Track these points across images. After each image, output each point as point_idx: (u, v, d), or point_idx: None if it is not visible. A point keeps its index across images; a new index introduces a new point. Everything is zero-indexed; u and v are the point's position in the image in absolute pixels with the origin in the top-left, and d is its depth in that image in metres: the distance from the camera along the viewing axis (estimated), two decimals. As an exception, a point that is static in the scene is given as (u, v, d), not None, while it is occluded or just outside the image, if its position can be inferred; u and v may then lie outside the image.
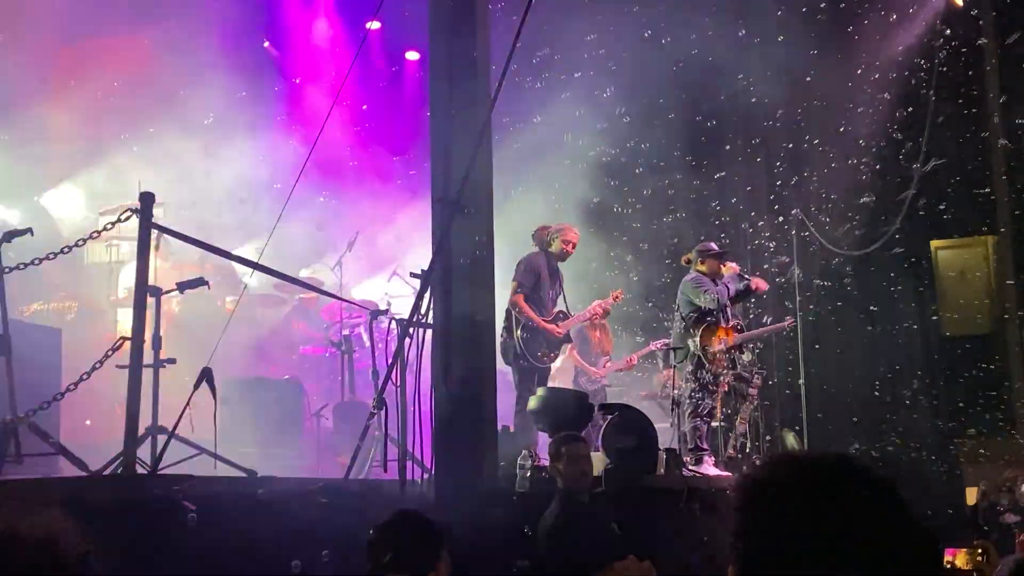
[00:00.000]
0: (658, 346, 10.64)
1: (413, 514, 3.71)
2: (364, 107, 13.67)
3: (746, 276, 9.67)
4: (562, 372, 10.94)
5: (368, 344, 8.91)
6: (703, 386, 9.08)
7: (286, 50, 13.54)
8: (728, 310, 9.44)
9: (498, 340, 8.98)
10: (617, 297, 9.93)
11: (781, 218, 12.16)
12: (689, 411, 9.02)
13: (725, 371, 9.28)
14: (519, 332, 8.93)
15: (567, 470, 6.18)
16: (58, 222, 11.42)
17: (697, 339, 9.09)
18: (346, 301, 10.01)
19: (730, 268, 9.52)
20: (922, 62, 11.84)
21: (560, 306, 9.31)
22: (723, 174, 12.74)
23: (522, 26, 6.03)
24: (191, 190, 11.30)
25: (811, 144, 12.25)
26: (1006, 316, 12.57)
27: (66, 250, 5.94)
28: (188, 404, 5.70)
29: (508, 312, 8.99)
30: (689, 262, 9.59)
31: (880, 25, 11.86)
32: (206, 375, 5.68)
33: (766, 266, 12.10)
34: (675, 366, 9.28)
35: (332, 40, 13.33)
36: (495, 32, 7.50)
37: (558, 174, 11.85)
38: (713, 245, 9.63)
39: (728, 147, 12.72)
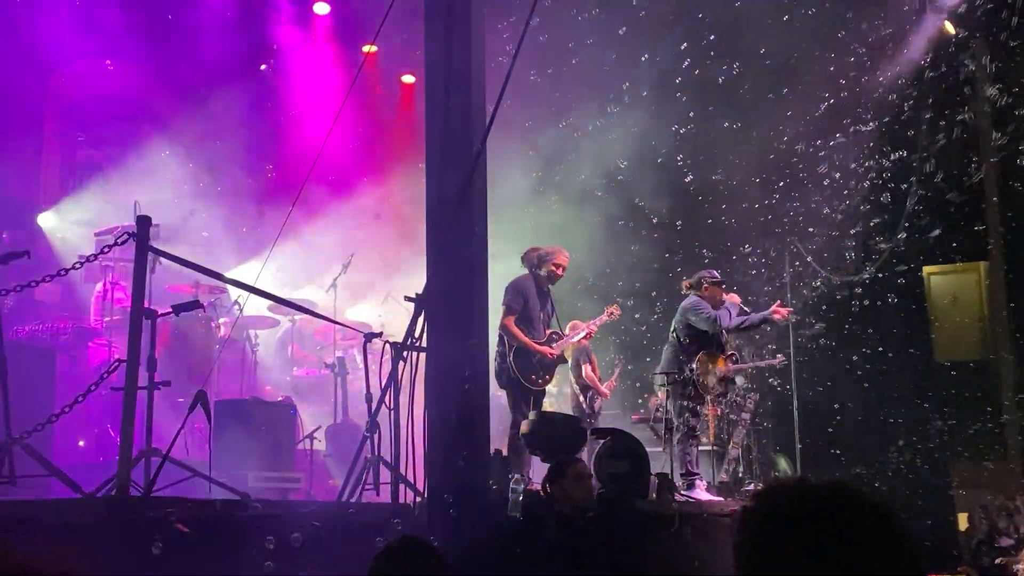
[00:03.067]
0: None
1: (416, 539, 3.72)
2: (359, 129, 13.73)
3: (747, 310, 9.66)
4: (561, 394, 11.00)
5: (362, 366, 8.92)
6: (694, 411, 9.09)
7: (284, 73, 13.59)
8: (724, 337, 9.45)
9: (491, 364, 9.02)
10: (612, 313, 9.91)
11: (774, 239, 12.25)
12: (679, 435, 9.02)
13: (719, 399, 9.31)
14: (512, 355, 8.93)
15: (573, 489, 6.18)
16: (54, 243, 11.44)
17: (694, 366, 9.09)
18: (340, 324, 10.01)
19: (732, 298, 9.49)
20: (915, 88, 11.93)
21: (553, 327, 9.30)
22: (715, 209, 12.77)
23: (517, 54, 6.08)
24: (187, 211, 11.33)
25: (804, 171, 12.31)
26: (998, 342, 12.62)
27: (62, 273, 5.96)
28: (183, 427, 5.70)
29: (500, 336, 9.00)
30: (690, 287, 9.56)
31: (873, 51, 11.95)
32: (201, 398, 5.68)
33: (762, 295, 12.16)
34: (667, 389, 9.28)
35: (330, 63, 13.39)
36: (490, 53, 7.54)
37: (548, 197, 11.90)
38: (715, 273, 9.63)
39: (721, 172, 12.76)
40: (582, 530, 6.17)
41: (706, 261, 12.00)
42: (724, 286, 9.54)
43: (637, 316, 12.47)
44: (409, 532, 3.75)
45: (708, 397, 9.22)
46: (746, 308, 9.68)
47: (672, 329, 9.47)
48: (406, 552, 3.59)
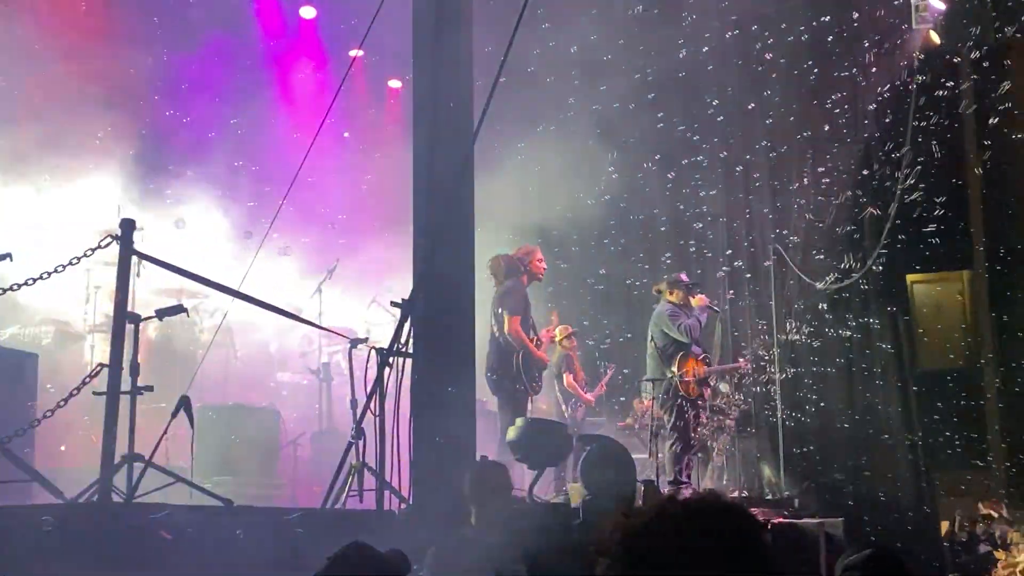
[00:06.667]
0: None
1: (364, 546, 3.61)
2: (345, 134, 13.69)
3: (715, 307, 9.80)
4: (545, 401, 10.99)
5: (347, 372, 8.88)
6: (682, 415, 9.12)
7: (270, 75, 13.53)
8: (696, 343, 9.57)
9: (485, 371, 9.02)
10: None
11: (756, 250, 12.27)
12: (670, 442, 9.05)
13: (702, 401, 9.35)
14: (520, 360, 8.94)
15: (491, 499, 6.05)
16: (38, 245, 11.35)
17: (675, 368, 9.14)
18: (324, 329, 9.97)
19: (699, 300, 9.63)
20: (900, 97, 11.97)
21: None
22: (702, 209, 12.78)
23: (503, 66, 6.08)
24: (172, 215, 11.26)
25: (789, 178, 12.33)
26: (981, 350, 12.66)
27: (45, 276, 5.91)
28: (165, 432, 5.66)
29: (500, 343, 8.97)
30: (660, 292, 9.66)
31: (859, 60, 11.98)
32: (184, 403, 5.64)
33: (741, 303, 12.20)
34: (654, 397, 9.32)
35: (316, 67, 13.34)
36: (478, 57, 7.54)
37: (528, 204, 11.90)
38: (684, 276, 9.73)
39: (704, 182, 12.76)
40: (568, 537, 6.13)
41: (698, 272, 12.05)
42: (693, 289, 9.69)
43: (623, 326, 12.49)
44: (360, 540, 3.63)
45: (694, 400, 9.26)
46: (715, 308, 9.88)
47: (649, 337, 9.55)
48: (353, 560, 3.50)
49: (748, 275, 12.52)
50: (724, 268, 12.54)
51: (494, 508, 5.77)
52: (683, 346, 9.38)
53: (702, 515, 1.73)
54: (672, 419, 9.08)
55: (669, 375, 9.16)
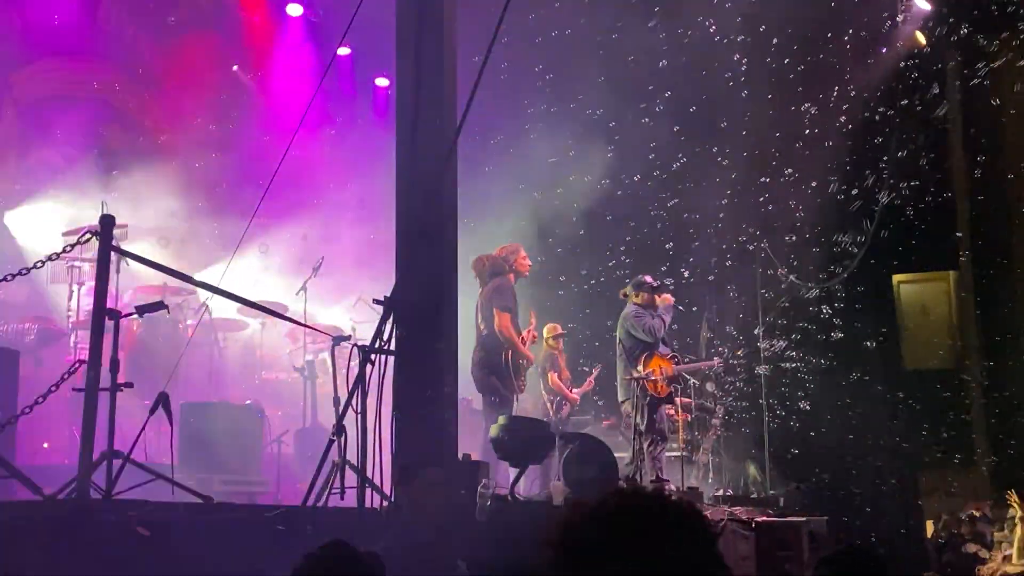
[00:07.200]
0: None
1: (342, 544, 3.58)
2: (331, 132, 13.67)
3: (680, 307, 9.96)
4: (530, 400, 10.98)
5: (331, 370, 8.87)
6: (652, 414, 9.21)
7: (255, 73, 13.50)
8: (663, 342, 9.71)
9: (471, 369, 9.03)
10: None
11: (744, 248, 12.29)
12: (647, 441, 9.10)
13: (672, 399, 9.42)
14: (509, 358, 8.95)
15: (422, 497, 6.04)
16: (22, 242, 11.31)
17: (641, 368, 9.22)
18: (307, 327, 9.95)
19: (665, 300, 9.77)
20: (887, 98, 11.99)
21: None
22: (688, 214, 12.76)
23: (485, 65, 6.07)
24: (157, 213, 11.24)
25: (774, 178, 12.34)
26: (967, 351, 12.70)
27: (24, 272, 5.89)
28: (144, 429, 5.64)
29: (488, 341, 8.98)
30: (626, 296, 9.76)
31: (845, 60, 12.00)
32: (162, 400, 5.62)
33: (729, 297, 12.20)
34: (625, 400, 9.44)
35: (302, 64, 13.31)
36: (462, 56, 7.54)
37: (515, 206, 11.90)
38: (648, 278, 9.82)
39: (690, 181, 12.76)
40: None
41: (688, 273, 12.08)
42: (658, 290, 9.80)
43: (609, 323, 12.47)
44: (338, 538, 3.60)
45: (663, 398, 9.36)
46: (680, 307, 10.12)
47: (617, 339, 9.64)
48: (330, 559, 3.47)
49: (734, 275, 12.53)
50: (711, 268, 12.55)
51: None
52: (649, 346, 9.49)
53: (642, 510, 1.73)
54: (644, 419, 9.14)
55: (636, 374, 9.25)
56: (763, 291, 12.26)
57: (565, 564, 1.71)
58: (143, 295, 9.75)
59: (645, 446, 9.08)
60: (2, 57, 10.77)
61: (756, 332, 11.98)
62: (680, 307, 9.94)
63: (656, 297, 9.71)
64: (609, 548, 1.67)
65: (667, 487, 8.87)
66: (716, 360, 10.56)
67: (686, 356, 10.67)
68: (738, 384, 11.92)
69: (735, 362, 11.20)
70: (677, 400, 9.51)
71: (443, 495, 6.01)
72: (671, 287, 10.34)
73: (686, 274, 12.19)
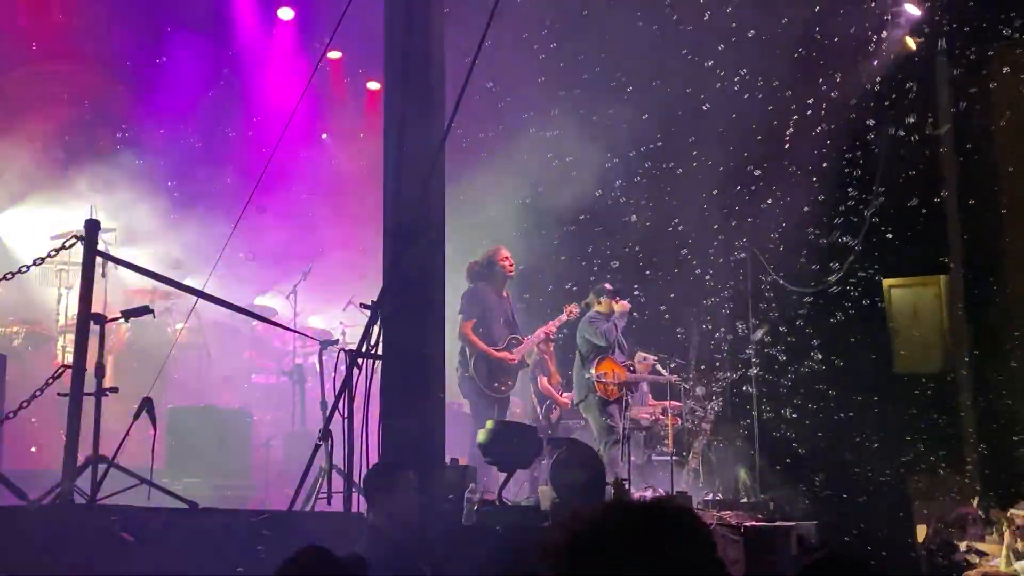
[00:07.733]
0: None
1: (320, 549, 3.56)
2: (324, 136, 13.67)
3: (635, 314, 10.17)
4: (520, 405, 10.97)
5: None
6: (602, 416, 9.34)
7: (246, 75, 13.48)
8: (619, 348, 9.94)
9: (454, 374, 9.04)
10: (572, 312, 10.07)
11: (735, 255, 12.28)
12: (602, 442, 9.33)
13: (624, 401, 9.51)
14: (474, 363, 8.98)
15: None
16: (10, 245, 11.28)
17: (592, 370, 9.49)
18: (295, 331, 9.93)
19: (622, 306, 10.00)
20: (876, 102, 11.99)
21: (513, 331, 9.41)
22: (676, 221, 12.75)
23: (473, 66, 6.06)
24: (146, 217, 11.22)
25: (764, 182, 12.33)
26: (957, 355, 12.69)
27: (9, 276, 5.86)
28: (128, 433, 5.62)
29: (462, 345, 9.04)
30: (588, 305, 10.06)
31: (834, 64, 11.99)
32: (146, 405, 5.61)
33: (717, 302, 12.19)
34: (579, 402, 9.63)
35: (291, 66, 13.29)
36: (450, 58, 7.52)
37: (504, 212, 11.90)
38: (607, 285, 10.10)
39: (680, 185, 12.75)
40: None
41: (672, 275, 12.08)
42: (615, 295, 10.03)
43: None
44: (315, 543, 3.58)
45: (613, 400, 9.57)
46: (634, 312, 10.32)
47: (577, 346, 9.93)
48: (305, 563, 3.45)
49: (724, 279, 12.51)
50: (700, 272, 12.53)
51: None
52: (602, 350, 9.75)
53: (648, 520, 1.72)
54: (595, 420, 9.37)
55: (587, 376, 9.48)
56: (752, 296, 12.24)
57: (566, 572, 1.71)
58: (132, 299, 9.73)
59: (601, 447, 9.21)
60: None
61: (745, 336, 11.96)
62: (634, 312, 10.19)
63: (614, 303, 9.95)
64: (611, 558, 1.66)
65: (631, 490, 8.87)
66: (673, 376, 10.53)
67: (671, 360, 10.71)
68: (728, 388, 11.92)
69: (709, 384, 11.31)
70: (624, 405, 9.58)
71: (415, 498, 5.96)
72: (639, 295, 10.54)
73: (676, 274, 12.20)
